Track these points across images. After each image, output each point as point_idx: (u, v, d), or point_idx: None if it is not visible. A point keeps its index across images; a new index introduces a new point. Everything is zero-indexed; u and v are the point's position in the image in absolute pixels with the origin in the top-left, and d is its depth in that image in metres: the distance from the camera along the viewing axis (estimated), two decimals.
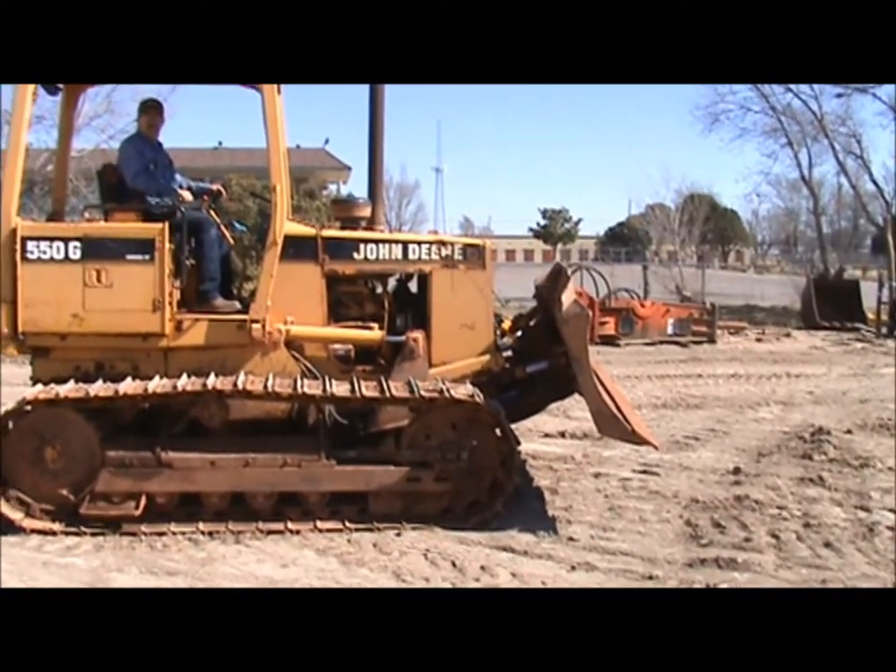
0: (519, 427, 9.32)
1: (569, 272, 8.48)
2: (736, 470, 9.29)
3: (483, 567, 6.61)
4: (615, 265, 45.00)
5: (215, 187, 8.99)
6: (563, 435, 11.17)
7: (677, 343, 22.71)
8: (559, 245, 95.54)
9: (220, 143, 63.93)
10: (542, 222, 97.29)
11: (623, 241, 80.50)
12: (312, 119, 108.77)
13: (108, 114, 35.17)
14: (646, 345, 22.39)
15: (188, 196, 8.49)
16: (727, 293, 39.80)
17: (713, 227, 58.56)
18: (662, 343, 22.74)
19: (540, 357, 8.45)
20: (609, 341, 21.98)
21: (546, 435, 11.18)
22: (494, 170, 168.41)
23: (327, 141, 28.31)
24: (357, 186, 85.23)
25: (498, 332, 8.81)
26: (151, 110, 8.80)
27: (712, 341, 23.11)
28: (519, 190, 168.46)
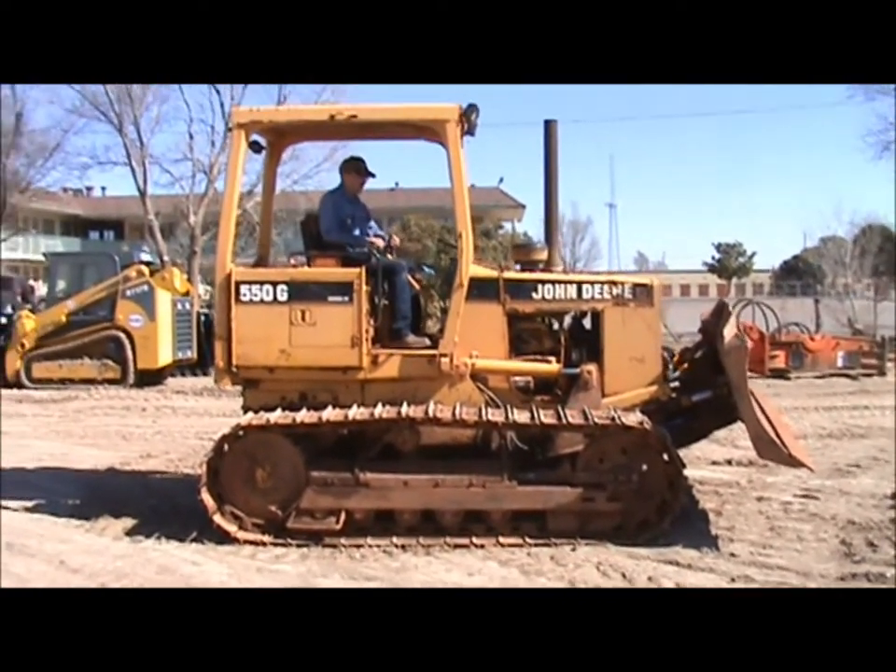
0: (688, 455, 9.70)
1: (731, 307, 8.86)
2: (894, 496, 9.45)
3: (650, 578, 7.04)
4: (788, 299, 44.44)
5: (395, 242, 9.62)
6: (729, 462, 11.49)
7: (847, 375, 22.56)
8: (734, 280, 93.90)
9: (397, 184, 65.53)
10: (716, 256, 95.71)
11: (798, 274, 78.85)
12: (485, 157, 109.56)
13: (293, 160, 36.70)
14: (816, 378, 22.30)
15: (379, 243, 9.13)
16: None
17: (886, 258, 57.09)
18: (832, 375, 22.61)
19: (705, 387, 8.83)
20: (779, 374, 21.93)
21: (714, 462, 11.53)
22: (668, 205, 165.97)
23: (501, 180, 28.73)
24: (531, 223, 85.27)
25: (671, 365, 9.18)
26: (352, 169, 9.47)
27: (882, 373, 22.86)
28: (693, 225, 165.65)
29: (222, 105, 38.85)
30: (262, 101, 38.56)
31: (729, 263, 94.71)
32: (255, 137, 9.08)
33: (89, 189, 71.40)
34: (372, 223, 9.66)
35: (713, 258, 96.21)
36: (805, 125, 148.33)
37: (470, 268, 8.55)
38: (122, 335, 22.27)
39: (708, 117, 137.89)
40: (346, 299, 8.40)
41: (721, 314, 8.64)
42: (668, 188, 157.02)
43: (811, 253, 67.04)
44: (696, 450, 11.07)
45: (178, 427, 15.49)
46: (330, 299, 8.41)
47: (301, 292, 8.45)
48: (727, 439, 12.10)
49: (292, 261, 9.47)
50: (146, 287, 22.48)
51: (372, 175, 9.59)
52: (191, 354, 23.88)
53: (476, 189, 51.01)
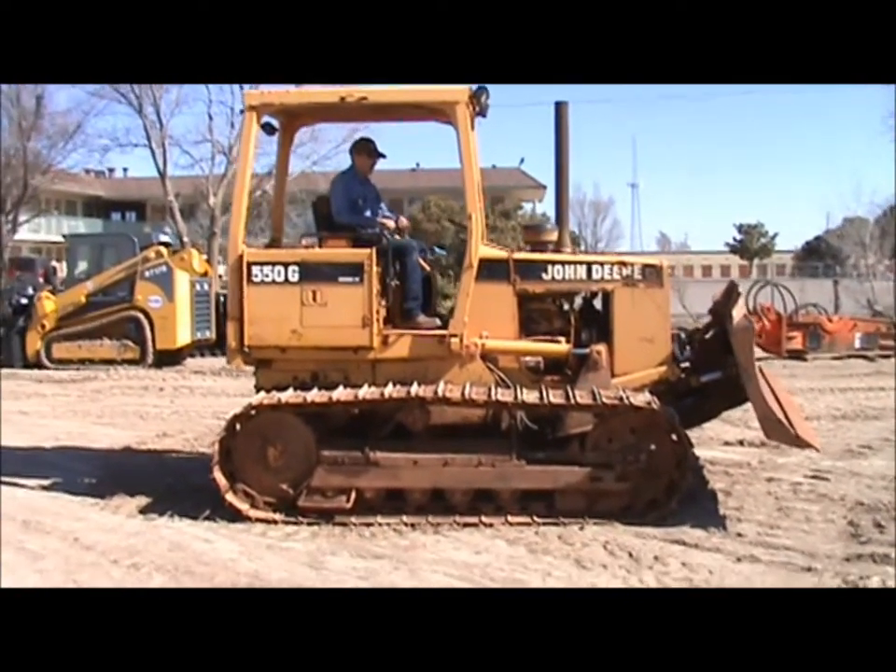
0: (700, 436, 9.76)
1: (740, 288, 8.88)
2: None
3: (656, 558, 7.09)
4: (807, 280, 44.22)
5: (402, 223, 9.58)
6: (741, 443, 11.48)
7: (864, 357, 22.42)
8: (755, 261, 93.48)
9: (418, 164, 65.68)
10: (738, 237, 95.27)
11: (820, 255, 78.38)
12: (506, 137, 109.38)
13: (312, 141, 36.86)
14: (833, 360, 22.20)
15: (390, 224, 9.19)
16: None
17: None
18: (849, 357, 22.50)
19: (715, 368, 8.79)
20: (796, 355, 21.86)
21: (725, 443, 11.52)
22: (690, 185, 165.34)
23: (522, 160, 28.43)
24: (552, 204, 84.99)
25: (688, 347, 9.22)
26: (363, 151, 9.53)
27: None
28: (716, 206, 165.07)
29: (241, 86, 38.91)
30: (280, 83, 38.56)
31: (751, 244, 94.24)
32: (267, 119, 9.11)
33: (111, 170, 71.82)
34: (383, 204, 9.69)
35: (735, 238, 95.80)
36: (829, 106, 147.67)
37: (480, 249, 8.61)
38: (141, 316, 22.47)
39: (732, 97, 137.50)
40: (357, 279, 8.46)
41: (730, 295, 8.65)
42: (691, 168, 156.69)
43: (833, 234, 66.60)
44: (709, 430, 11.13)
45: (195, 407, 15.63)
46: (341, 279, 8.48)
47: (313, 273, 8.52)
48: (740, 419, 12.07)
49: (304, 242, 9.52)
50: (164, 268, 22.65)
51: (383, 156, 9.64)
52: (210, 334, 23.99)
53: (497, 170, 51.08)
